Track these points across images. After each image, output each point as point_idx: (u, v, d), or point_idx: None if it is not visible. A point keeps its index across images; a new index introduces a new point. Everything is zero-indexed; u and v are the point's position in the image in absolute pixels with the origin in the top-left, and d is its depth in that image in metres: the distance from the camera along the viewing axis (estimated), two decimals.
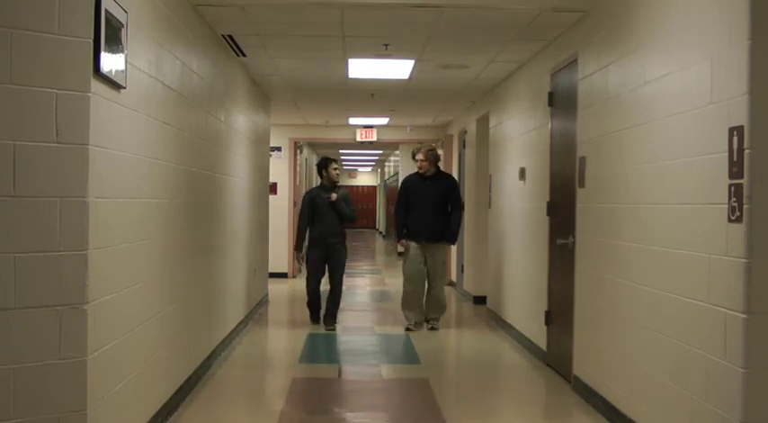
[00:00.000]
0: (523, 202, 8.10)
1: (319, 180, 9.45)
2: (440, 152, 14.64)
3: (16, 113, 3.47)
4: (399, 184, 9.70)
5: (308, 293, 9.11)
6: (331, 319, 8.94)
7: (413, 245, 8.74)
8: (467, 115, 12.15)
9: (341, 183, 9.30)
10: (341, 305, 9.16)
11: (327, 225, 8.88)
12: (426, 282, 8.86)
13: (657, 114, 4.53)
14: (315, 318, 9.15)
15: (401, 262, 9.20)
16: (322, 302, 9.09)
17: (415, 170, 8.94)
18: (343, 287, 9.22)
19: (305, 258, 9.11)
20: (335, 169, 9.05)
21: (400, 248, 9.20)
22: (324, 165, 9.12)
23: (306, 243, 9.22)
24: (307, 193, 9.24)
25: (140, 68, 4.43)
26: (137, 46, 4.32)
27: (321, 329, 8.80)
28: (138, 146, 4.43)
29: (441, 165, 9.27)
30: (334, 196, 8.89)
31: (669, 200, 4.35)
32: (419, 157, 8.80)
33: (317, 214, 8.90)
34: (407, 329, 8.75)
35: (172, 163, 5.21)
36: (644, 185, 4.73)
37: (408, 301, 8.87)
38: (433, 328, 8.85)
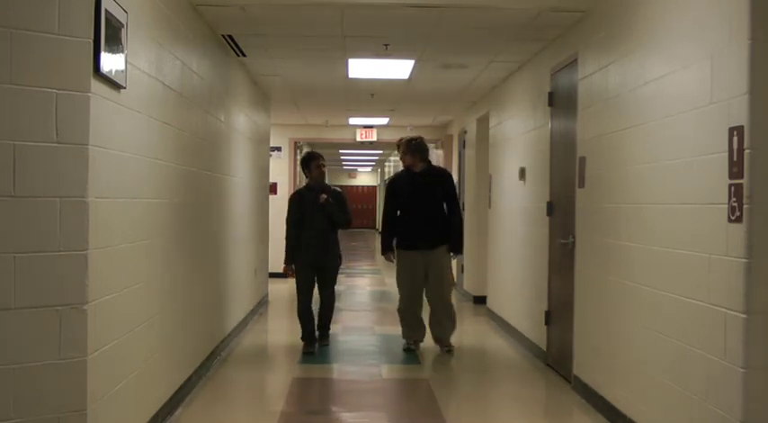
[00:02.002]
0: (523, 201, 8.10)
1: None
2: (439, 152, 14.67)
3: (16, 113, 3.47)
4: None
5: (298, 311, 7.65)
6: (324, 334, 7.85)
7: (407, 255, 7.52)
8: (467, 115, 12.15)
9: (340, 183, 8.87)
10: (333, 317, 7.99)
11: (316, 230, 7.55)
12: (426, 293, 7.60)
13: (657, 114, 4.53)
14: (309, 340, 7.66)
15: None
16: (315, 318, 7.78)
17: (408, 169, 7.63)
18: (339, 287, 8.31)
19: (294, 270, 7.65)
20: (319, 166, 7.74)
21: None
22: (306, 162, 7.76)
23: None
24: (294, 193, 7.99)
25: (140, 68, 4.43)
26: (137, 46, 4.32)
27: (312, 349, 7.57)
28: (138, 146, 4.43)
29: (435, 160, 8.15)
30: (323, 197, 7.57)
31: (669, 200, 4.35)
32: (401, 149, 7.61)
33: (305, 217, 7.56)
34: (407, 349, 7.65)
35: (172, 163, 5.21)
36: (644, 185, 4.73)
37: (405, 319, 7.70)
38: (449, 351, 7.58)
